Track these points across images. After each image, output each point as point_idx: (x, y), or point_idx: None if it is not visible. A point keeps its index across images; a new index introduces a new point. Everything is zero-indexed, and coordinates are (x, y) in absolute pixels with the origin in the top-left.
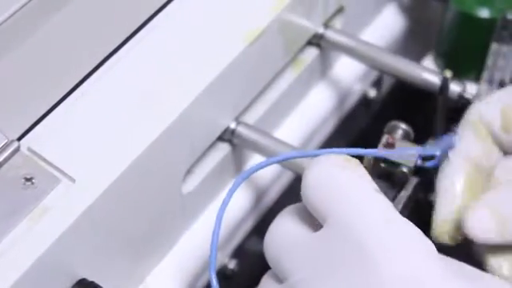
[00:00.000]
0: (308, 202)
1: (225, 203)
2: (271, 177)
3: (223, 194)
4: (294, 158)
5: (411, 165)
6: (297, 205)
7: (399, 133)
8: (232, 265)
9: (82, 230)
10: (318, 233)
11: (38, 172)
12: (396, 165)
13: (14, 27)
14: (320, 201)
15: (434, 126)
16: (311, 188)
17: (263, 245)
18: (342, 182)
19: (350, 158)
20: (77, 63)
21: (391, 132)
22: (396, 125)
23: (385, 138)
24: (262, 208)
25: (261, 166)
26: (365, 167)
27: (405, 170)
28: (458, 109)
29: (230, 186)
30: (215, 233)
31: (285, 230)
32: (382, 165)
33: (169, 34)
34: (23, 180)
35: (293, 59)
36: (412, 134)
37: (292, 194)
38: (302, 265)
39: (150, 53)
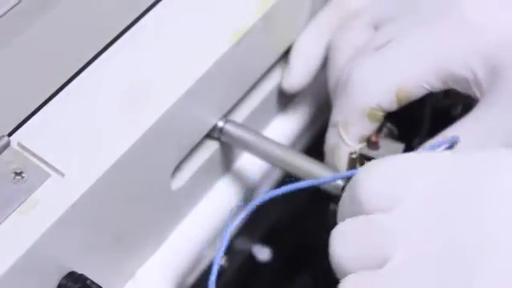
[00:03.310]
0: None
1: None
2: (261, 175)
3: (213, 191)
4: (299, 188)
5: None
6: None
7: (383, 131)
8: (222, 261)
9: (71, 224)
10: None
11: (28, 167)
12: None
13: (5, 25)
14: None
15: (421, 124)
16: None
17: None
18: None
19: None
20: (66, 61)
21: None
22: None
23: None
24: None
25: (267, 197)
26: (348, 163)
27: None
28: (444, 107)
29: (218, 183)
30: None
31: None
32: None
33: (156, 32)
34: (13, 174)
35: (281, 58)
36: (396, 131)
37: None
38: None
39: (137, 51)
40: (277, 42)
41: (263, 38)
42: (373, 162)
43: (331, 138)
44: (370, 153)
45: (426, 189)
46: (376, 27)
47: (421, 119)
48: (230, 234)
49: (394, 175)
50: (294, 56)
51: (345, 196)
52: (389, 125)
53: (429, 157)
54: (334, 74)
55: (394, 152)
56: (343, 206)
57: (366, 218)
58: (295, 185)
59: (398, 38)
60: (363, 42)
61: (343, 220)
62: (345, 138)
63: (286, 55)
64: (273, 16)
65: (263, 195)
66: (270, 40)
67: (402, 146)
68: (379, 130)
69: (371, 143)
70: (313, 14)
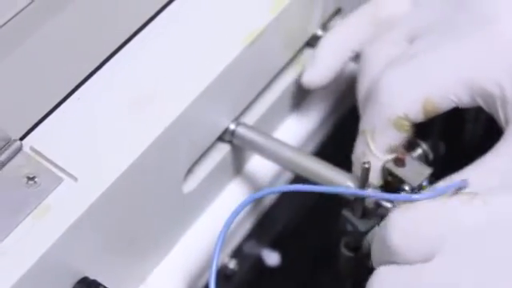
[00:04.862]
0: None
1: (228, 222)
2: (272, 177)
3: (224, 194)
4: (305, 191)
5: (415, 184)
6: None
7: (418, 151)
8: (232, 264)
9: (83, 229)
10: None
11: (41, 171)
12: (402, 180)
13: (17, 29)
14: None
15: (433, 126)
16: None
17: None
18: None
19: None
20: (78, 64)
21: (408, 148)
22: (416, 142)
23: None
24: (261, 208)
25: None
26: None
27: (407, 188)
28: (457, 110)
29: (230, 185)
30: (217, 248)
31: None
32: (389, 178)
33: (168, 35)
34: (26, 179)
35: (292, 60)
36: (431, 156)
37: (291, 195)
38: None
39: (149, 54)
40: (289, 43)
41: (276, 39)
42: (396, 214)
43: (359, 146)
44: (394, 169)
45: (462, 239)
46: (411, 40)
47: (433, 121)
48: (240, 238)
49: (426, 226)
50: (321, 51)
51: (376, 241)
52: (425, 147)
53: (454, 208)
54: (364, 85)
55: (419, 174)
56: (377, 250)
57: (412, 270)
58: (294, 187)
59: (429, 49)
60: (396, 55)
61: (378, 260)
62: (372, 147)
63: (295, 57)
64: (285, 17)
65: (261, 191)
66: (282, 41)
67: (429, 170)
68: (411, 149)
69: (397, 160)
70: (324, 16)
